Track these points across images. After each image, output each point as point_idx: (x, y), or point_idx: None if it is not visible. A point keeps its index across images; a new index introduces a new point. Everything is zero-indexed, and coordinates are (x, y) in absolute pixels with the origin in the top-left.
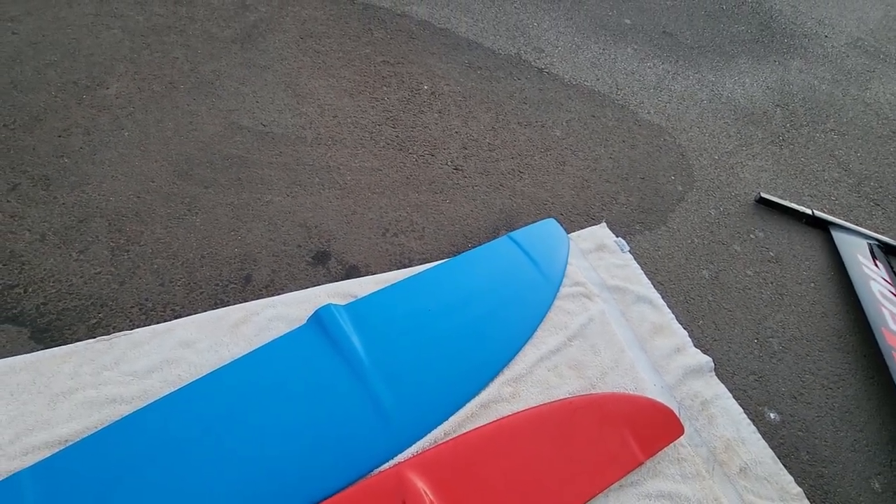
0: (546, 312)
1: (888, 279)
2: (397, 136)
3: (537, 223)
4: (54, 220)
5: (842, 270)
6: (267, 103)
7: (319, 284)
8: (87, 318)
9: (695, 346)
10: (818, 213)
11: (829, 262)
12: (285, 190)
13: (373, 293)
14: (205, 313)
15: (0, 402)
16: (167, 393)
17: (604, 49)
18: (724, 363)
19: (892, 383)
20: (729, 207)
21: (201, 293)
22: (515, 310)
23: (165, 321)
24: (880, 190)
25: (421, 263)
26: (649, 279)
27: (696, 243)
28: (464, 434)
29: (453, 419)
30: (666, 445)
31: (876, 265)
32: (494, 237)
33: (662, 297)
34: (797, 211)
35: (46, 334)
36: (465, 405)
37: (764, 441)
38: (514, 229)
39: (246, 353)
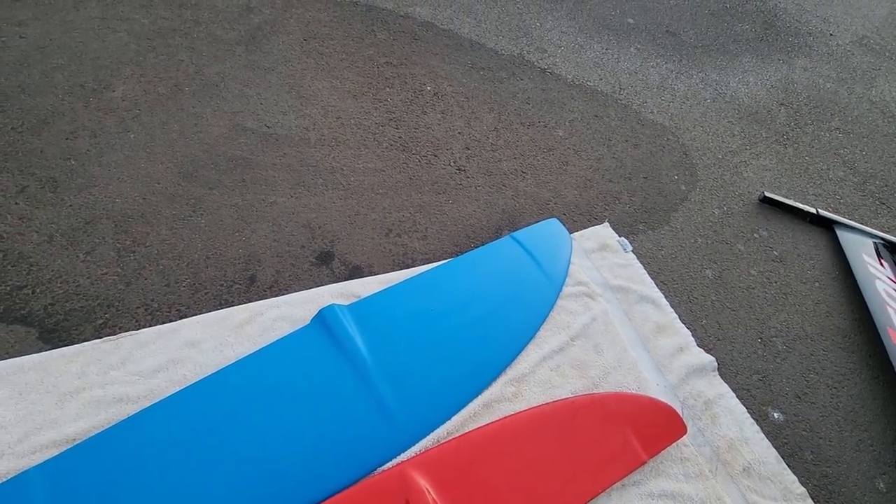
0: (549, 312)
1: (894, 278)
2: (400, 137)
3: (540, 223)
4: (62, 221)
5: (846, 269)
6: (271, 105)
7: (323, 285)
8: (93, 319)
9: (698, 345)
10: (823, 212)
11: (833, 261)
12: (289, 191)
13: (376, 293)
14: (210, 313)
15: (9, 401)
16: (173, 392)
17: (607, 49)
18: (728, 363)
19: None
20: (733, 207)
21: (206, 293)
22: (518, 309)
23: (171, 321)
24: (886, 188)
25: (424, 263)
26: (652, 279)
27: (699, 243)
28: (466, 433)
29: (456, 418)
30: (669, 445)
31: (881, 264)
32: (497, 237)
33: (665, 297)
34: (801, 210)
35: (54, 334)
36: (467, 404)
37: (767, 441)
38: (516, 229)
39: (251, 352)
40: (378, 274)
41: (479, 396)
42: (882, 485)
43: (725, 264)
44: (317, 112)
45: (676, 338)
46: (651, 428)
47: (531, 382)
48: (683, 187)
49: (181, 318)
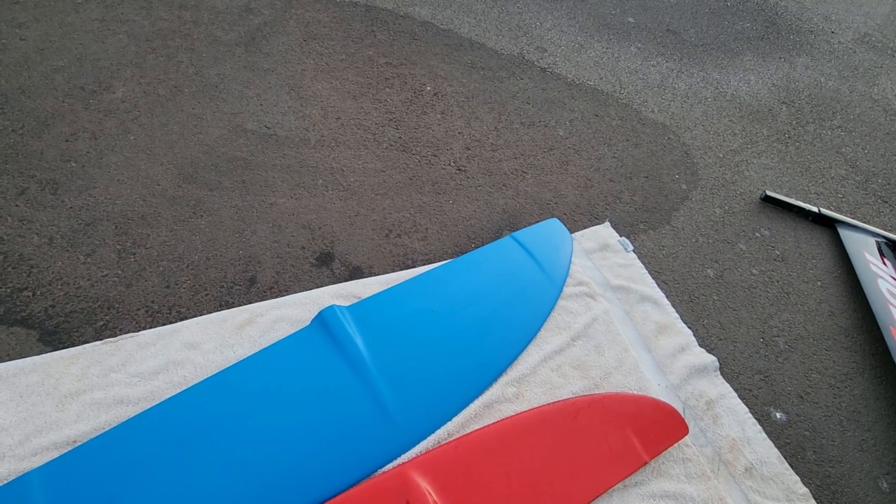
0: (549, 312)
1: None
2: (400, 138)
3: (540, 223)
4: (62, 223)
5: (849, 268)
6: (271, 106)
7: (323, 286)
8: (94, 321)
9: (700, 345)
10: (825, 211)
11: (835, 260)
12: (289, 192)
13: (376, 294)
14: (210, 315)
15: (9, 403)
16: (173, 394)
17: (607, 48)
18: (730, 362)
19: None
20: (734, 206)
21: (206, 295)
22: (519, 310)
23: (171, 323)
24: (888, 187)
25: (424, 264)
26: (653, 278)
27: (700, 242)
28: (467, 434)
29: (457, 419)
30: (670, 445)
31: (884, 263)
32: (498, 237)
33: (667, 297)
34: (803, 209)
35: (54, 336)
36: (468, 405)
37: (770, 441)
38: (517, 229)
39: (251, 354)
40: (378, 275)
41: (480, 397)
42: (885, 485)
43: (727, 264)
44: (317, 113)
45: (678, 338)
46: (652, 428)
47: (532, 383)
48: (685, 186)
49: (181, 319)
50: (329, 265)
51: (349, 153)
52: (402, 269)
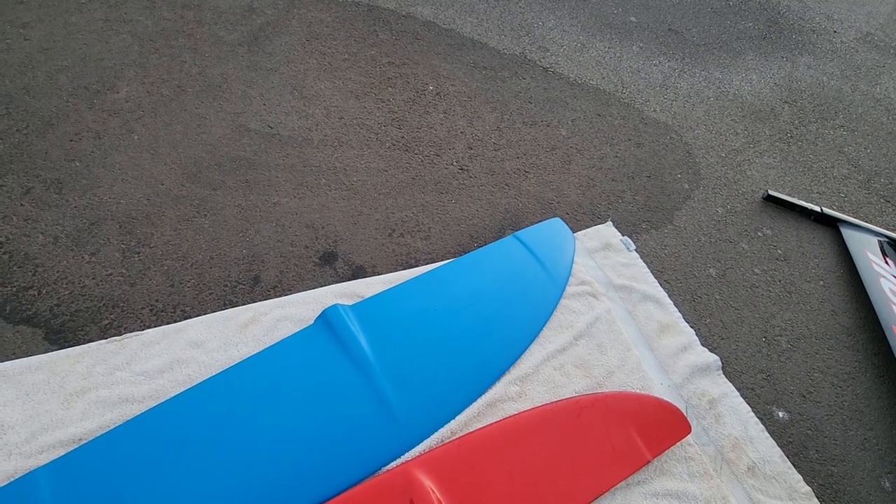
0: (552, 311)
1: None
2: (403, 137)
3: (543, 222)
4: (67, 223)
5: (851, 268)
6: (274, 105)
7: (327, 285)
8: (99, 320)
9: (702, 344)
10: (827, 211)
11: (838, 259)
12: (292, 191)
13: (379, 293)
14: (214, 314)
15: (15, 401)
16: (178, 392)
17: (609, 47)
18: (732, 362)
19: None
20: (736, 205)
21: (210, 294)
22: (521, 309)
23: (175, 322)
24: (890, 186)
25: (427, 263)
26: (656, 278)
27: (702, 241)
28: (470, 433)
29: (460, 418)
30: (673, 444)
31: (886, 262)
32: (500, 237)
33: (669, 296)
34: (805, 208)
35: (60, 335)
36: (471, 404)
37: (772, 440)
38: (519, 229)
39: (255, 352)
40: (381, 274)
41: (483, 396)
42: (888, 483)
43: (729, 263)
44: (319, 112)
45: (680, 337)
46: (655, 427)
47: (535, 382)
48: (687, 186)
49: (186, 318)
50: (332, 264)
51: (352, 153)
52: (405, 269)
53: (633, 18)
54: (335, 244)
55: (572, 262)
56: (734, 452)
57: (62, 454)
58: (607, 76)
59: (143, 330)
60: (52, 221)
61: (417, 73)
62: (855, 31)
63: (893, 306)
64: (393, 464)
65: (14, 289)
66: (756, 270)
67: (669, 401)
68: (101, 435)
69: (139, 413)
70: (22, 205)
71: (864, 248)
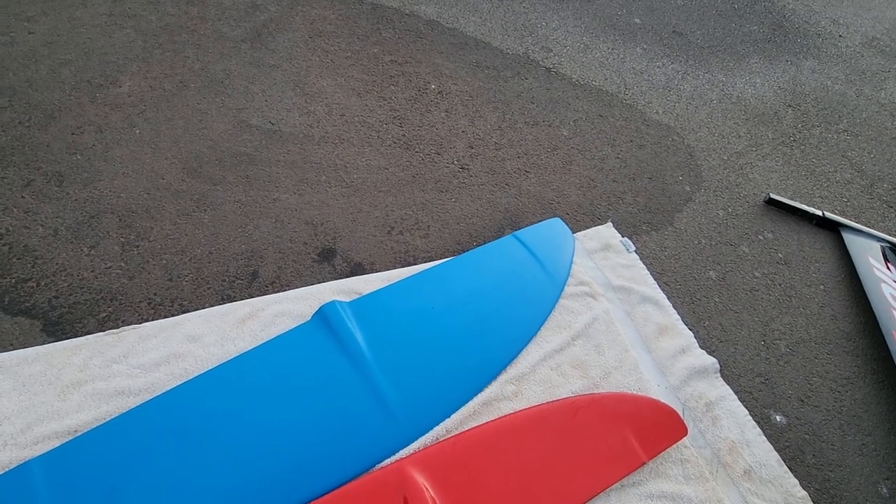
0: (550, 311)
1: None
2: (404, 135)
3: (543, 222)
4: (67, 215)
5: (852, 273)
6: (275, 102)
7: (325, 281)
8: (97, 312)
9: (700, 347)
10: (829, 215)
11: (839, 264)
12: (292, 188)
13: (377, 290)
14: (212, 308)
15: (12, 392)
16: (174, 386)
17: (612, 49)
18: (730, 365)
19: None
20: (737, 208)
21: (208, 288)
22: (519, 308)
23: (173, 316)
24: (893, 192)
25: (426, 261)
26: (655, 280)
27: (703, 244)
28: (466, 431)
29: (455, 416)
30: (669, 446)
31: (888, 268)
32: (499, 236)
33: (668, 298)
34: (807, 212)
35: (58, 327)
36: (467, 402)
37: (769, 443)
38: (519, 228)
39: (252, 347)
40: (380, 271)
41: (479, 394)
42: (885, 490)
43: (729, 266)
44: (321, 109)
45: (678, 339)
46: (651, 429)
47: (531, 381)
48: (688, 188)
49: (184, 312)
50: (331, 261)
51: (353, 150)
52: (403, 266)
53: (637, 20)
54: (334, 241)
55: (571, 263)
56: (730, 455)
57: (58, 445)
58: (610, 77)
59: (140, 323)
60: (52, 214)
61: (420, 71)
62: (861, 35)
63: (894, 312)
64: (387, 461)
65: (13, 280)
66: (756, 274)
67: (666, 403)
68: (97, 427)
69: (135, 406)
70: (23, 197)
71: (866, 253)
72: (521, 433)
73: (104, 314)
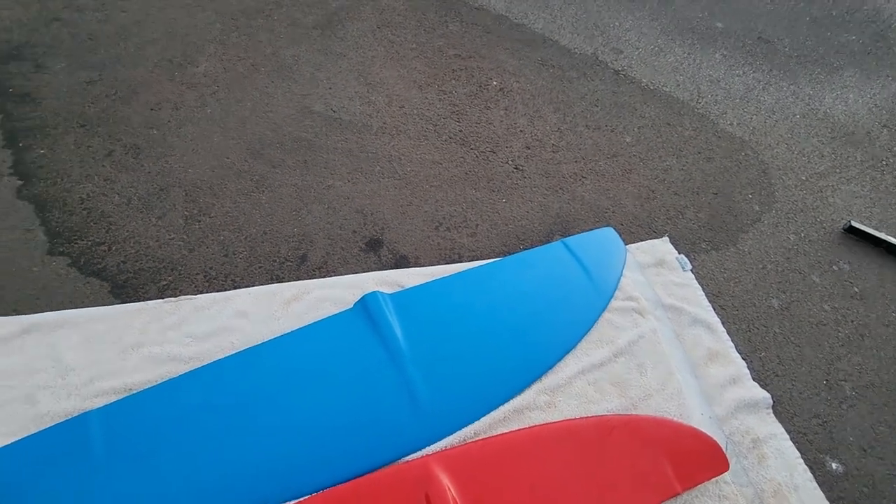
0: (593, 324)
1: None
2: (461, 131)
3: (594, 231)
4: (140, 186)
5: None
6: (339, 90)
7: (370, 271)
8: (158, 280)
9: (753, 379)
10: None
11: None
12: (347, 175)
13: (420, 285)
14: (261, 287)
15: (79, 347)
16: (220, 358)
17: (689, 53)
18: (785, 402)
19: None
20: (812, 234)
21: (260, 267)
22: (561, 317)
23: (225, 290)
24: None
25: (471, 260)
26: (710, 302)
27: (768, 269)
28: (494, 436)
29: (485, 420)
30: (707, 479)
31: None
32: (548, 241)
33: (722, 323)
34: (893, 245)
35: (123, 290)
36: (498, 407)
37: (821, 491)
38: (569, 235)
39: (294, 328)
40: (424, 266)
41: (511, 401)
42: None
43: (795, 295)
44: (382, 100)
45: (730, 367)
46: (689, 458)
47: (566, 394)
48: (757, 208)
49: (235, 288)
50: (377, 251)
51: (409, 142)
52: (448, 263)
53: (719, 24)
54: (382, 231)
55: (621, 275)
56: (775, 499)
57: (114, 400)
58: (683, 84)
59: (196, 294)
60: (127, 184)
61: (483, 66)
62: None
63: None
64: (413, 455)
65: (89, 243)
66: (825, 307)
67: (709, 433)
68: (149, 388)
69: (184, 372)
70: (104, 166)
71: None
72: (551, 446)
73: (164, 282)
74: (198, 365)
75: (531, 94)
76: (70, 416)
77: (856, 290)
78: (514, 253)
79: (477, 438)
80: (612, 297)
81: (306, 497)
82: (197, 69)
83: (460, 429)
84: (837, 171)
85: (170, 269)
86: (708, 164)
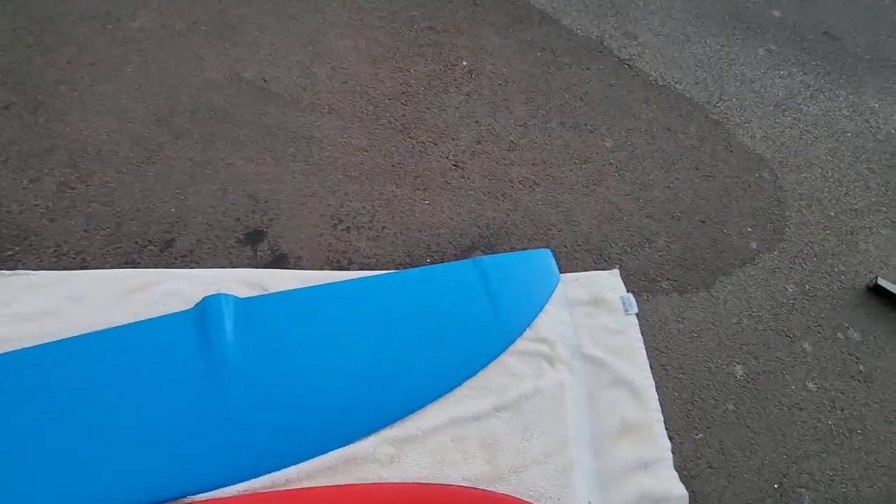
0: (483, 366)
1: None
2: (404, 116)
3: (525, 251)
4: (24, 144)
5: None
6: (279, 57)
7: (238, 267)
8: (4, 249)
9: (675, 467)
10: None
11: None
12: (253, 155)
13: (280, 292)
14: (108, 271)
15: None
16: (36, 344)
17: (723, 45)
18: None
19: None
20: (821, 287)
21: (118, 248)
22: (441, 353)
23: (73, 269)
24: None
25: (360, 269)
26: (649, 358)
27: (743, 325)
28: (307, 489)
29: (305, 466)
30: None
31: None
32: (465, 257)
33: (657, 387)
34: None
35: None
36: (327, 453)
37: None
38: (494, 252)
39: (123, 323)
40: (304, 269)
41: (346, 447)
42: None
43: (771, 364)
44: (324, 72)
45: (646, 447)
46: None
47: (418, 449)
48: (754, 245)
49: (84, 268)
50: (255, 245)
51: (338, 123)
52: (332, 269)
53: (776, 12)
54: (269, 223)
55: (539, 311)
56: None
57: None
58: (703, 81)
59: (35, 271)
60: (12, 139)
61: (457, 43)
62: None
63: None
64: (202, 496)
65: None
66: (810, 385)
67: None
68: None
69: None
70: None
71: None
72: None
73: (9, 252)
74: (8, 348)
75: (504, 79)
76: None
77: (861, 368)
78: (415, 266)
79: (286, 488)
80: (518, 335)
81: None
82: (133, 24)
83: (270, 472)
84: (882, 209)
85: (21, 239)
86: (704, 182)
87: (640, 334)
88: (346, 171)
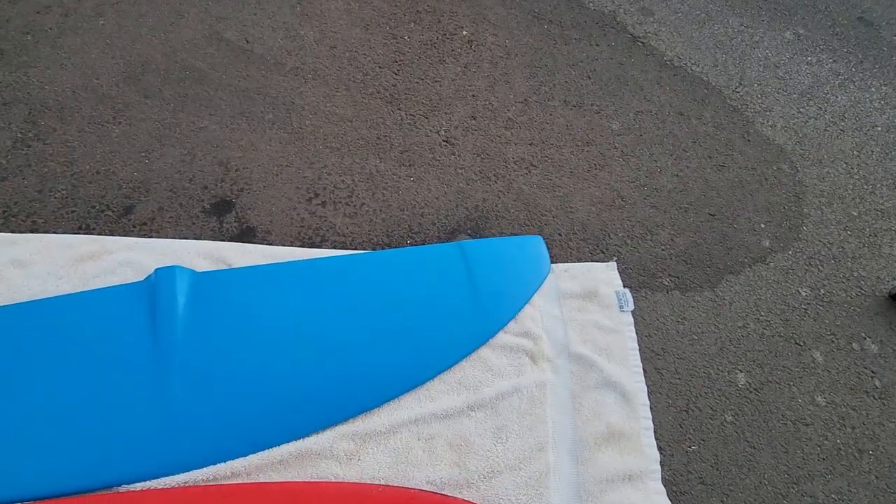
0: (459, 360)
1: None
2: (394, 86)
3: (514, 237)
4: None
5: None
6: (265, 17)
7: (201, 238)
8: None
9: (663, 481)
10: None
11: None
12: (228, 119)
13: (242, 268)
14: (57, 236)
15: None
16: None
17: (747, 26)
18: None
19: None
20: (837, 293)
21: (73, 212)
22: (413, 344)
23: (22, 232)
24: None
25: (333, 247)
26: (643, 360)
27: (749, 330)
28: (251, 483)
29: (254, 458)
30: None
31: None
32: (448, 240)
33: (649, 392)
34: None
35: None
36: (279, 445)
37: None
38: (481, 236)
39: (71, 292)
40: (272, 244)
41: (300, 441)
42: None
43: (777, 374)
44: (312, 35)
45: (632, 457)
46: None
47: (380, 446)
48: (767, 243)
49: (32, 231)
50: (221, 217)
51: (322, 90)
52: (302, 246)
53: None
54: (239, 193)
55: (526, 302)
56: None
57: None
58: (723, 64)
59: None
60: None
61: (458, 11)
62: None
63: None
64: (138, 485)
65: None
66: (819, 399)
67: None
68: None
69: None
70: None
71: None
72: None
73: None
74: None
75: (507, 51)
76: None
77: (876, 383)
78: (393, 248)
79: (231, 482)
80: (501, 328)
81: None
82: None
83: (214, 463)
84: None
85: None
86: (717, 173)
87: (634, 334)
88: (327, 141)
